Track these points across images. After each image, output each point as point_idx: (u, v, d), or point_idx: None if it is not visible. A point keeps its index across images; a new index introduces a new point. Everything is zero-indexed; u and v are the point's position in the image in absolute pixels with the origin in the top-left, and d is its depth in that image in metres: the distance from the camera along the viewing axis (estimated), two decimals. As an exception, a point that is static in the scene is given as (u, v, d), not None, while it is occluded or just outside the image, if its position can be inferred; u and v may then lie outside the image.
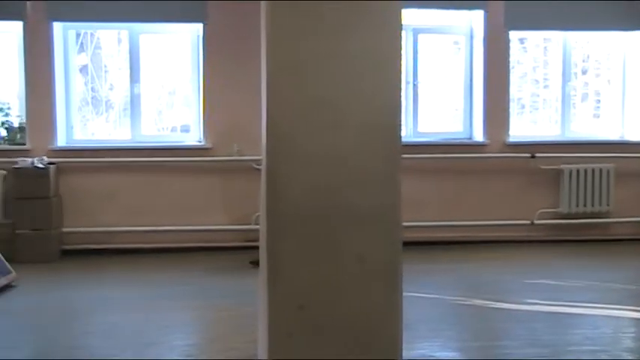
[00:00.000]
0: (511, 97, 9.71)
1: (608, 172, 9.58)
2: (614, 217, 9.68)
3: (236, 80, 8.91)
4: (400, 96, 4.24)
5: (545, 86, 10.19)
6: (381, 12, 4.13)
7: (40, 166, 8.65)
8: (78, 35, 9.40)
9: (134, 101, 9.32)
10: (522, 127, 9.97)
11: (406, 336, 4.32)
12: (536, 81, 10.24)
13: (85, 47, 9.53)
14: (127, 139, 9.31)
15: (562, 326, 6.09)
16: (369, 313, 4.20)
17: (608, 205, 9.61)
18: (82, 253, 8.85)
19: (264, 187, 4.29)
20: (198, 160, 9.00)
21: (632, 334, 5.96)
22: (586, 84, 10.23)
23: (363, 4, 4.11)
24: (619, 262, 8.58)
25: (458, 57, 9.84)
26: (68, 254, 8.84)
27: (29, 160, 8.69)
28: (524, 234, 9.49)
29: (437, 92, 9.89)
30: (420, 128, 9.70)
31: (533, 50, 10.22)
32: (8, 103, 9.18)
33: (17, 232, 8.58)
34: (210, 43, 9.11)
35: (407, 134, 9.44)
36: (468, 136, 9.75)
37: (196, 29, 9.22)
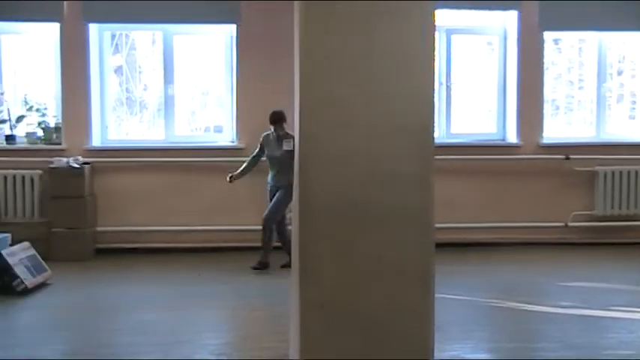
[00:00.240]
0: (545, 98, 9.63)
1: (644, 174, 9.48)
2: (649, 220, 9.57)
3: (269, 80, 8.94)
4: (433, 97, 4.23)
5: (580, 87, 10.08)
6: (415, 13, 4.13)
7: (75, 165, 8.74)
8: (113, 36, 9.49)
9: (168, 102, 9.39)
10: (556, 129, 9.88)
11: (438, 337, 4.30)
12: (571, 82, 10.14)
13: (119, 48, 9.62)
14: (161, 140, 9.38)
15: (596, 329, 6.03)
16: (401, 314, 4.19)
17: (643, 207, 9.51)
18: (115, 251, 8.94)
19: (296, 186, 4.30)
20: (230, 161, 9.03)
21: (668, 339, 5.88)
22: (621, 85, 10.11)
23: (397, 5, 4.11)
24: (655, 265, 8.49)
25: (491, 58, 9.78)
26: (102, 253, 8.93)
27: (65, 159, 8.79)
28: (558, 236, 9.40)
29: (470, 93, 9.84)
30: (453, 129, 9.65)
31: (568, 51, 10.13)
32: (45, 104, 9.29)
33: (53, 230, 8.69)
34: (243, 44, 9.14)
35: (440, 135, 9.39)
36: (501, 138, 9.68)
37: (229, 30, 9.26)
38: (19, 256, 7.37)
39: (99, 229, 9.05)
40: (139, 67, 9.75)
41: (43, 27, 9.24)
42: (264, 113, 8.42)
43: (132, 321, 6.33)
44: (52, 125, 9.25)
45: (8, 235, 7.67)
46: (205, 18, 9.12)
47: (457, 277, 7.61)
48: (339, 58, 4.12)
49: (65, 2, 8.98)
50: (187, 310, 6.75)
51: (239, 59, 9.18)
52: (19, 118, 9.19)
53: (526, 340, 5.88)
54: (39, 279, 7.41)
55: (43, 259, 7.69)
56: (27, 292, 7.12)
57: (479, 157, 9.38)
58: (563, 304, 6.71)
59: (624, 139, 9.74)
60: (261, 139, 8.32)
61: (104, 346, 5.70)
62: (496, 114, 9.72)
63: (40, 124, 9.24)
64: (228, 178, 8.20)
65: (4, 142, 9.12)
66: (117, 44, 9.57)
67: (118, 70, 9.66)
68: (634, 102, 10.15)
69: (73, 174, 8.72)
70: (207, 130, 9.67)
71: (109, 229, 9.06)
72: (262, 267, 8.04)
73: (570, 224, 9.42)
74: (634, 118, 10.12)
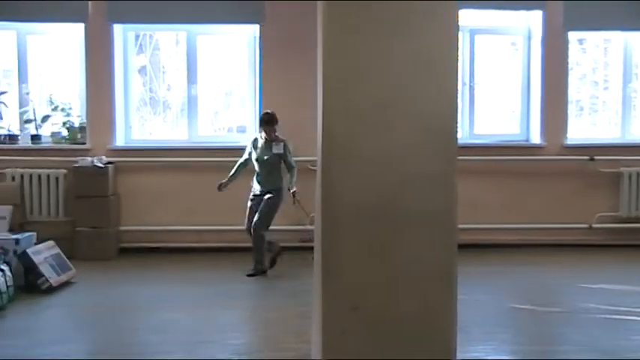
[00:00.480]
0: (569, 98, 9.56)
1: (669, 175, 9.39)
2: (675, 222, 9.47)
3: (292, 81, 8.95)
4: (456, 97, 4.21)
5: (605, 88, 10.00)
6: (438, 13, 4.11)
7: (100, 165, 8.80)
8: (137, 37, 9.55)
9: (191, 102, 9.43)
10: (581, 130, 9.81)
11: (460, 339, 4.28)
12: (596, 82, 10.06)
13: (143, 48, 9.67)
14: (184, 140, 9.42)
15: (620, 332, 5.97)
16: (423, 315, 4.19)
17: (669, 209, 9.42)
18: (138, 251, 8.99)
19: (319, 187, 4.30)
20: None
21: (694, 342, 5.83)
22: (647, 86, 10.02)
23: (420, 5, 4.10)
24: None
25: (515, 58, 9.73)
26: (125, 252, 8.99)
27: (89, 159, 8.86)
28: (582, 238, 9.33)
29: (494, 94, 9.79)
30: (477, 130, 9.61)
31: (593, 51, 10.05)
32: (70, 104, 9.36)
33: (77, 229, 8.75)
34: (266, 44, 9.17)
35: (463, 136, 9.36)
36: (525, 139, 9.63)
37: (253, 30, 9.28)
38: (44, 254, 7.44)
39: (122, 228, 9.12)
40: (163, 67, 9.81)
41: (68, 27, 9.32)
42: (287, 114, 8.43)
43: (155, 320, 6.36)
44: (77, 125, 9.32)
45: (33, 233, 7.74)
46: (229, 18, 9.15)
47: (480, 278, 7.58)
48: (362, 59, 4.12)
49: (90, 3, 9.05)
50: (209, 310, 6.78)
51: (262, 59, 9.20)
52: (45, 118, 9.27)
53: (549, 342, 5.84)
54: (63, 277, 7.48)
55: (67, 258, 7.76)
56: (51, 290, 7.19)
57: (502, 158, 9.33)
58: (587, 306, 6.66)
59: (650, 140, 9.66)
60: (251, 143, 8.19)
61: (127, 345, 5.73)
62: (520, 115, 9.67)
63: (64, 123, 9.32)
64: (217, 187, 8.04)
65: (30, 142, 9.21)
66: (141, 44, 9.63)
67: (142, 70, 9.72)
68: (660, 103, 10.05)
69: (97, 173, 8.78)
70: (230, 130, 9.70)
71: (133, 228, 9.12)
72: (257, 273, 7.91)
73: (594, 226, 9.35)
74: (660, 119, 10.03)
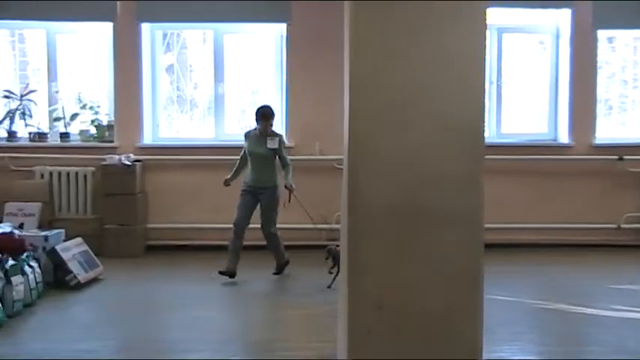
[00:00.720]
0: (598, 97, 9.49)
1: (700, 175, 9.27)
2: None
3: (318, 80, 8.96)
4: (484, 97, 4.20)
5: (635, 87, 9.90)
6: (466, 12, 4.10)
7: (127, 163, 8.86)
8: (164, 35, 9.60)
9: (218, 100, 9.47)
10: (609, 129, 9.71)
11: (486, 339, 4.27)
12: (625, 81, 9.96)
13: (171, 47, 9.73)
14: (211, 138, 9.46)
15: (649, 333, 5.93)
16: (449, 314, 4.18)
17: (699, 209, 9.30)
18: (165, 248, 9.05)
19: (346, 186, 4.30)
20: (280, 159, 9.09)
21: None
22: (678, 84, 9.91)
23: (448, 5, 4.09)
24: None
25: (543, 56, 9.66)
26: (152, 249, 9.05)
27: (117, 157, 8.92)
28: (610, 238, 9.25)
29: (521, 93, 9.73)
30: (504, 129, 9.56)
31: (622, 50, 9.94)
32: (98, 102, 9.44)
33: (105, 227, 8.82)
34: (293, 43, 9.18)
35: (490, 135, 9.30)
36: (552, 138, 9.56)
37: (280, 29, 9.30)
38: (73, 251, 7.52)
39: (149, 225, 9.18)
40: (190, 65, 9.85)
41: (97, 26, 9.39)
42: (313, 112, 8.44)
43: (181, 318, 6.40)
44: (105, 123, 9.40)
45: (62, 230, 7.83)
46: (256, 17, 9.18)
47: (507, 278, 7.54)
48: (390, 59, 4.11)
49: (119, 3, 9.11)
50: (234, 308, 6.81)
51: (289, 58, 9.21)
52: (73, 116, 9.36)
53: (575, 343, 5.80)
54: (91, 274, 7.55)
55: (95, 255, 7.83)
56: (79, 286, 7.26)
57: (530, 158, 9.28)
58: (615, 307, 6.60)
59: (680, 140, 9.54)
60: (245, 136, 7.96)
61: (154, 342, 5.77)
62: (547, 114, 9.60)
63: (93, 121, 9.40)
64: (224, 182, 7.95)
65: (59, 140, 9.30)
66: (168, 43, 9.68)
67: (170, 68, 9.77)
68: (690, 102, 9.94)
69: (125, 171, 8.84)
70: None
71: (160, 226, 9.18)
72: (282, 269, 7.94)
73: (623, 226, 9.27)
74: (690, 118, 9.92)
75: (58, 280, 7.28)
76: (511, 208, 9.07)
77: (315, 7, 8.93)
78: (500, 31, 9.44)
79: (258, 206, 7.88)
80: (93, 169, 9.07)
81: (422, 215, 4.14)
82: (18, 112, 9.30)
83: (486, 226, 4.26)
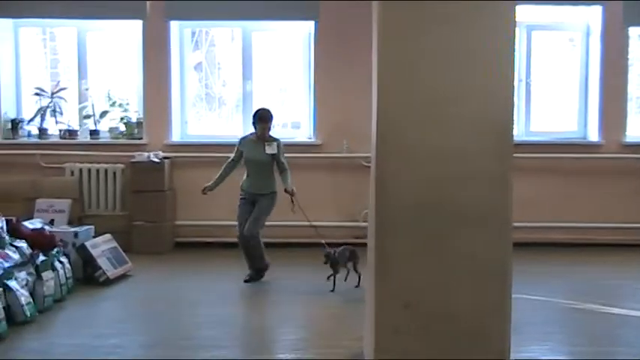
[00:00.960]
0: (629, 95, 9.38)
1: None
2: None
3: (346, 77, 8.96)
4: (512, 95, 4.18)
5: (667, 85, 9.79)
6: (495, 10, 4.08)
7: (156, 160, 8.92)
8: (193, 33, 9.65)
9: (246, 98, 9.50)
10: (640, 127, 9.62)
11: (515, 338, 4.25)
12: (657, 79, 9.85)
13: (199, 45, 9.77)
14: (239, 135, 9.46)
15: (680, 334, 5.86)
16: (477, 314, 4.16)
17: None
18: (193, 245, 9.09)
19: (373, 184, 4.30)
20: (308, 157, 9.09)
21: None
22: None
23: (476, 3, 4.07)
24: None
25: (573, 54, 9.58)
26: (180, 246, 9.10)
27: (145, 154, 8.98)
28: (641, 237, 9.18)
29: (550, 90, 9.65)
30: (533, 127, 9.49)
31: (654, 47, 9.83)
32: (127, 99, 9.51)
33: (133, 223, 8.89)
34: (321, 41, 9.18)
35: (519, 133, 9.24)
36: (582, 136, 9.47)
37: (308, 27, 9.31)
38: (102, 247, 7.58)
39: (178, 222, 9.24)
40: (218, 63, 9.90)
41: (127, 24, 9.46)
42: (341, 110, 8.43)
43: (209, 314, 6.43)
44: (134, 120, 9.46)
45: (91, 227, 7.90)
46: (284, 15, 9.20)
47: (535, 277, 7.49)
48: (417, 57, 4.11)
49: (148, 1, 9.16)
50: (262, 305, 6.83)
51: (317, 56, 9.22)
52: (103, 114, 9.44)
53: (605, 343, 5.74)
54: (120, 270, 7.61)
55: (123, 251, 7.89)
56: (108, 282, 7.32)
57: (559, 156, 9.20)
58: (645, 307, 6.55)
59: None
60: (239, 142, 7.67)
61: (182, 338, 5.80)
62: (577, 112, 9.51)
63: (122, 119, 9.47)
64: (202, 190, 7.66)
65: (89, 137, 9.39)
66: (197, 41, 9.73)
67: (198, 66, 9.82)
68: None
69: (154, 168, 8.90)
70: (284, 126, 9.73)
71: (188, 223, 9.23)
72: (259, 276, 7.52)
73: (654, 226, 9.18)
74: None
75: (87, 276, 7.36)
76: (540, 206, 9.00)
77: (343, 4, 8.92)
78: (530, 28, 9.37)
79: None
80: (122, 166, 9.14)
81: (450, 214, 4.12)
82: (49, 109, 9.41)
83: (515, 224, 4.24)
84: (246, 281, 7.49)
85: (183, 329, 6.09)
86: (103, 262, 7.41)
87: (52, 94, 9.43)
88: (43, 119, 9.41)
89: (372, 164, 4.38)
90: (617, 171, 9.20)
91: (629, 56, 9.32)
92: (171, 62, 9.28)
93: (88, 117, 9.46)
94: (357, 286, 7.11)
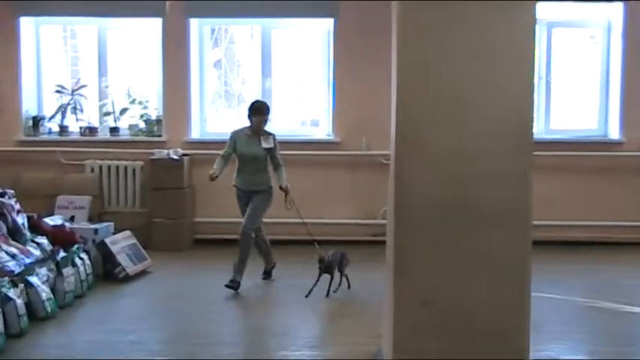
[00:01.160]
0: (651, 93, 9.31)
1: None
2: None
3: (365, 75, 8.94)
4: (532, 93, 4.16)
5: (689, 82, 9.68)
6: (514, 8, 4.07)
7: (175, 157, 8.95)
8: (212, 31, 9.68)
9: (265, 95, 9.49)
10: (662, 125, 9.53)
11: (534, 337, 4.24)
12: (679, 76, 9.74)
13: (219, 42, 9.80)
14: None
15: (701, 334, 5.82)
16: (496, 313, 4.15)
17: None
18: (212, 242, 9.11)
19: (393, 182, 4.30)
20: (327, 154, 9.09)
21: None
22: None
23: (496, 2, 4.06)
24: None
25: (594, 51, 9.51)
26: (199, 243, 9.14)
27: (165, 151, 9.01)
28: (662, 236, 9.10)
29: (571, 88, 9.59)
30: (553, 125, 9.43)
31: (677, 44, 9.73)
32: (147, 97, 9.55)
33: (153, 220, 8.93)
34: (340, 39, 9.17)
35: (539, 131, 9.19)
36: (603, 134, 9.41)
37: (327, 24, 9.30)
38: (121, 244, 7.63)
39: (197, 219, 9.27)
40: (238, 60, 9.92)
41: (147, 22, 9.50)
42: (360, 107, 8.41)
43: (227, 311, 6.46)
44: (154, 118, 9.50)
45: (111, 223, 7.95)
46: (303, 12, 9.20)
47: (555, 276, 7.45)
48: (436, 56, 4.10)
49: (168, 1, 9.19)
50: (279, 303, 6.84)
51: (336, 54, 9.21)
52: (123, 111, 9.49)
53: (625, 343, 5.71)
54: (139, 267, 7.65)
55: (143, 248, 7.93)
56: (128, 279, 7.37)
57: (579, 154, 9.14)
58: (666, 307, 6.51)
59: None
60: (232, 136, 7.36)
61: (200, 335, 5.83)
62: (598, 110, 9.45)
63: (142, 116, 9.52)
64: (210, 178, 7.24)
65: (109, 134, 9.44)
66: (216, 38, 9.76)
67: (217, 63, 9.84)
68: None
69: (173, 165, 8.93)
70: (303, 123, 9.74)
71: (207, 219, 9.25)
72: (236, 286, 6.99)
73: (675, 224, 9.10)
74: None
75: (107, 272, 7.41)
76: (560, 205, 8.95)
77: (363, 3, 8.90)
78: (550, 25, 9.31)
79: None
80: (142, 163, 9.18)
81: (469, 212, 4.12)
82: (69, 106, 9.47)
83: (534, 223, 4.22)
84: (264, 279, 7.53)
85: (202, 326, 6.11)
86: (122, 259, 7.46)
87: (73, 91, 9.48)
88: (63, 116, 9.47)
89: (392, 163, 4.37)
90: (638, 169, 9.13)
91: (651, 53, 9.25)
92: (190, 60, 9.30)
93: (108, 114, 9.52)
94: (335, 290, 7.01)
